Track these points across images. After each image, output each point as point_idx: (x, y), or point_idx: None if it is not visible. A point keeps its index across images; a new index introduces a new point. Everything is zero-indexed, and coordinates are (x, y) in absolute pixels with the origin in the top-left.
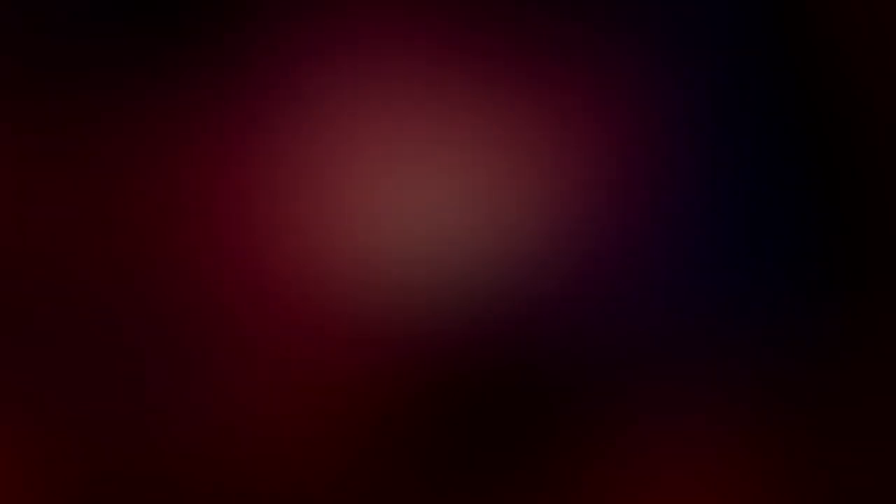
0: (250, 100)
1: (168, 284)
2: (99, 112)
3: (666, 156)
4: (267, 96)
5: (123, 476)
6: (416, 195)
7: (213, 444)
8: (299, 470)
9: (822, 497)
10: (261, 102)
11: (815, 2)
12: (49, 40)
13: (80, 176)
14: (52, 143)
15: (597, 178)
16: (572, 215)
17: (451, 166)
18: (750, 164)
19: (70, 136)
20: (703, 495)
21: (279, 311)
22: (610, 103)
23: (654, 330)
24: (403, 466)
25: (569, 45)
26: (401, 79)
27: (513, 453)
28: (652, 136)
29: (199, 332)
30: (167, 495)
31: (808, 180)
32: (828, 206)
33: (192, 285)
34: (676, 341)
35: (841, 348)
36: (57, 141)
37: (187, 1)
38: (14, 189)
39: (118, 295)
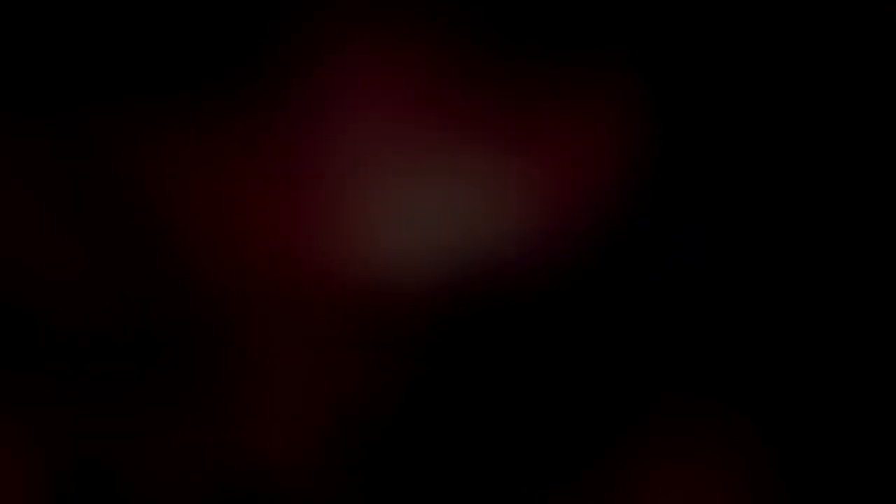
0: (288, 121)
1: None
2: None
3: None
4: (301, 118)
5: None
6: (422, 195)
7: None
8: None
9: (818, 497)
10: (297, 124)
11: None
12: (119, 63)
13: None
14: (107, 155)
15: (577, 177)
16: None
17: (452, 168)
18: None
19: (122, 146)
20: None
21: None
22: (585, 121)
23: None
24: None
25: (552, 72)
26: (410, 100)
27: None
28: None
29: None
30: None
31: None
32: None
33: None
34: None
35: (836, 348)
36: (111, 151)
37: (240, 40)
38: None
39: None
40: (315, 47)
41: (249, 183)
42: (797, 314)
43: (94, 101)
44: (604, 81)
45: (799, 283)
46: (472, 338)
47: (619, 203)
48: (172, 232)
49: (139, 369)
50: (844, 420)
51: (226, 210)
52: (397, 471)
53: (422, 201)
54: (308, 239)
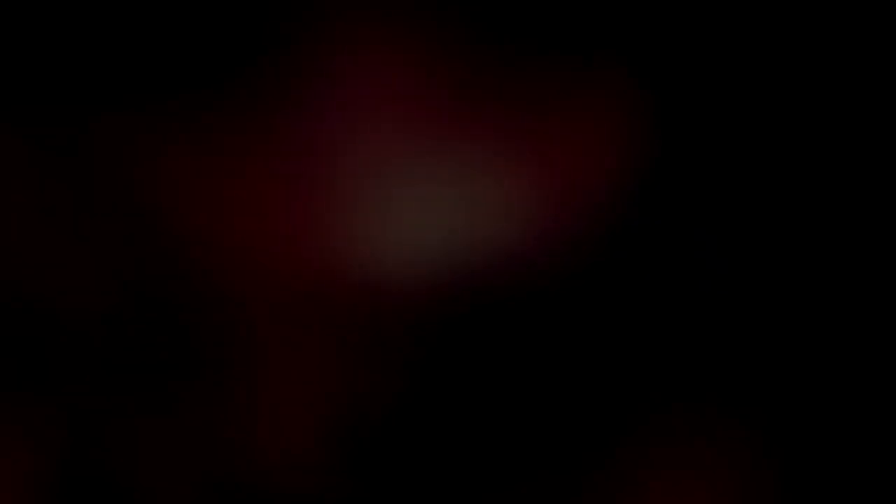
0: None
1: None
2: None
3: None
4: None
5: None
6: (424, 196)
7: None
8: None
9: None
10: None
11: None
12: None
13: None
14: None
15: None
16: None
17: (452, 170)
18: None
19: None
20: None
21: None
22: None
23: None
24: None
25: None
26: (411, 102)
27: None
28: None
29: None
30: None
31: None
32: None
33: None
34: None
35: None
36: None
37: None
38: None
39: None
40: (318, 49)
41: (251, 183)
42: (797, 320)
43: (101, 101)
44: (603, 82)
45: (799, 289)
46: (473, 338)
47: (618, 205)
48: (173, 231)
49: (139, 369)
50: (845, 427)
51: (226, 210)
52: (397, 471)
53: (423, 201)
54: (309, 239)
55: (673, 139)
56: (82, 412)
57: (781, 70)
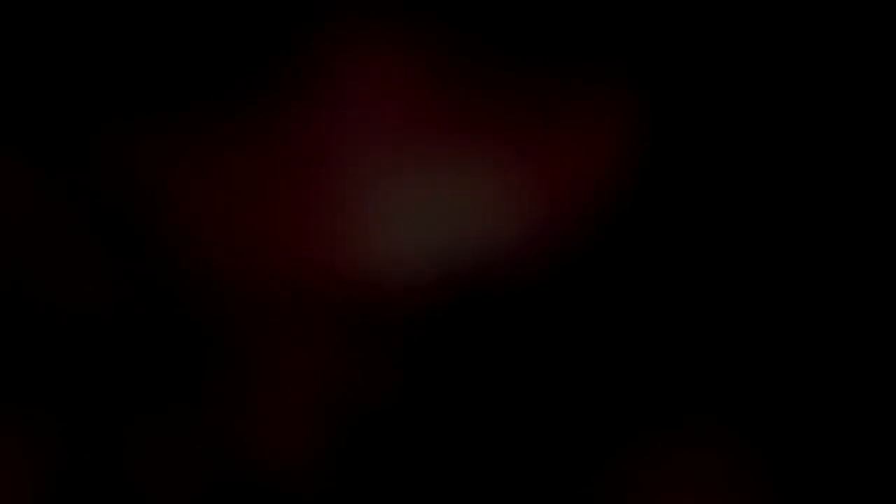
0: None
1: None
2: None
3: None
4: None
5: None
6: (423, 198)
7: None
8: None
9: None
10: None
11: None
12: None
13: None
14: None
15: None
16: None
17: (452, 172)
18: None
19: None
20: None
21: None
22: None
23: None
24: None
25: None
26: (412, 104)
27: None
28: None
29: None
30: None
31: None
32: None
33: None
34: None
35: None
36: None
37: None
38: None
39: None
40: (321, 52)
41: (252, 183)
42: (794, 327)
43: (105, 102)
44: (602, 85)
45: (796, 296)
46: (473, 340)
47: (617, 207)
48: (174, 232)
49: (139, 369)
50: (841, 434)
51: (227, 210)
52: (396, 471)
53: (422, 203)
54: (309, 239)
55: (670, 142)
56: (82, 413)
57: (777, 74)
